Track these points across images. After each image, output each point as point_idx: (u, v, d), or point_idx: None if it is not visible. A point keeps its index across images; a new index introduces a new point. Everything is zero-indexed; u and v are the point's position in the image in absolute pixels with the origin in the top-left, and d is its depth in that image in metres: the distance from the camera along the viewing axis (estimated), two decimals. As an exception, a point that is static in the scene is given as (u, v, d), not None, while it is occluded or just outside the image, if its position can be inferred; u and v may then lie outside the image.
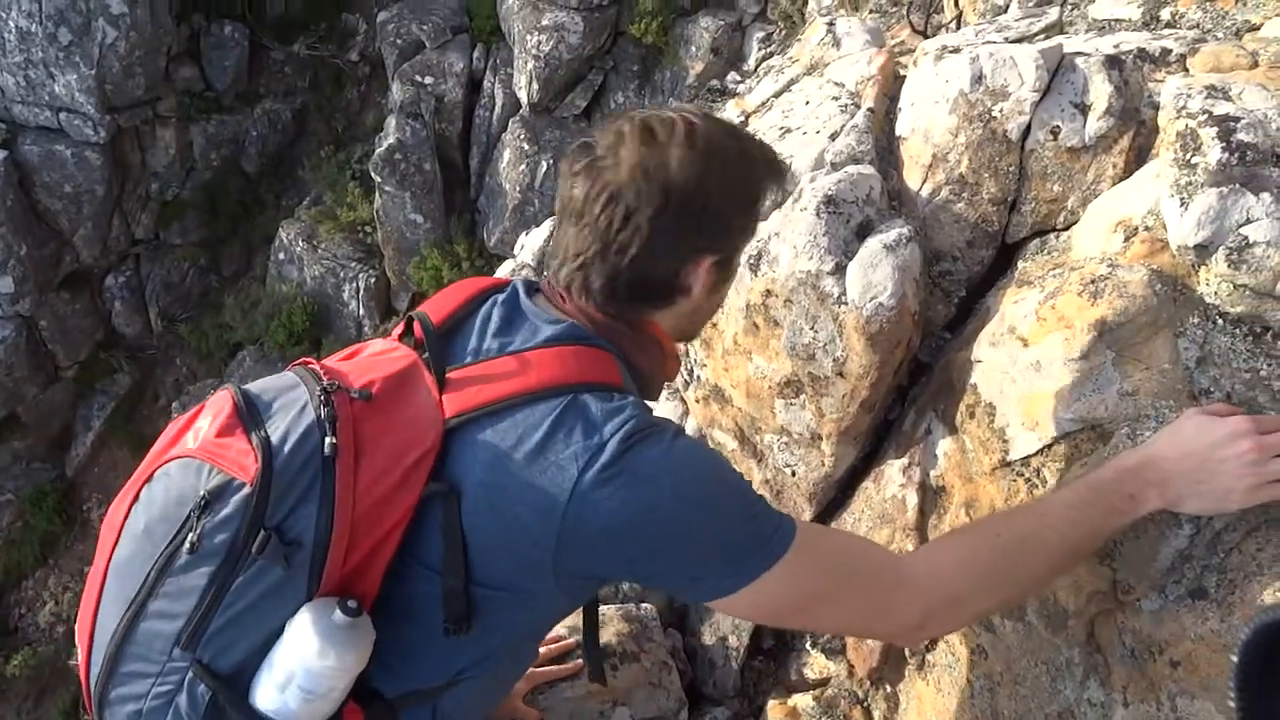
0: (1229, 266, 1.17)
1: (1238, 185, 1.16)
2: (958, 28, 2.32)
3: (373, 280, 9.09)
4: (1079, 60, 1.43)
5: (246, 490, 1.06)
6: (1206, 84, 1.24)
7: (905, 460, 1.57)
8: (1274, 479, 1.08)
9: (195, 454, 1.11)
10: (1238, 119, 1.19)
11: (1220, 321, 1.23)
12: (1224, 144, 1.17)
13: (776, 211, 1.67)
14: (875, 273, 1.48)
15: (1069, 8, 1.99)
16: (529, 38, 7.90)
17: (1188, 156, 1.20)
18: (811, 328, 1.56)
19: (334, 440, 1.08)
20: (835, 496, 1.72)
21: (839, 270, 1.52)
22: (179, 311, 10.32)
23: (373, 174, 8.67)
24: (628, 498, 1.07)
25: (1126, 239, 1.35)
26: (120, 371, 10.05)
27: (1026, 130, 1.46)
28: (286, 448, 1.08)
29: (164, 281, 10.27)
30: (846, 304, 1.51)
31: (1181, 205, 1.19)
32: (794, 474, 1.71)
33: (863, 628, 1.32)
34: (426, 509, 1.11)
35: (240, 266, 10.41)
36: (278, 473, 1.07)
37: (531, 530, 1.08)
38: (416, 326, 1.23)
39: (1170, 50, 1.38)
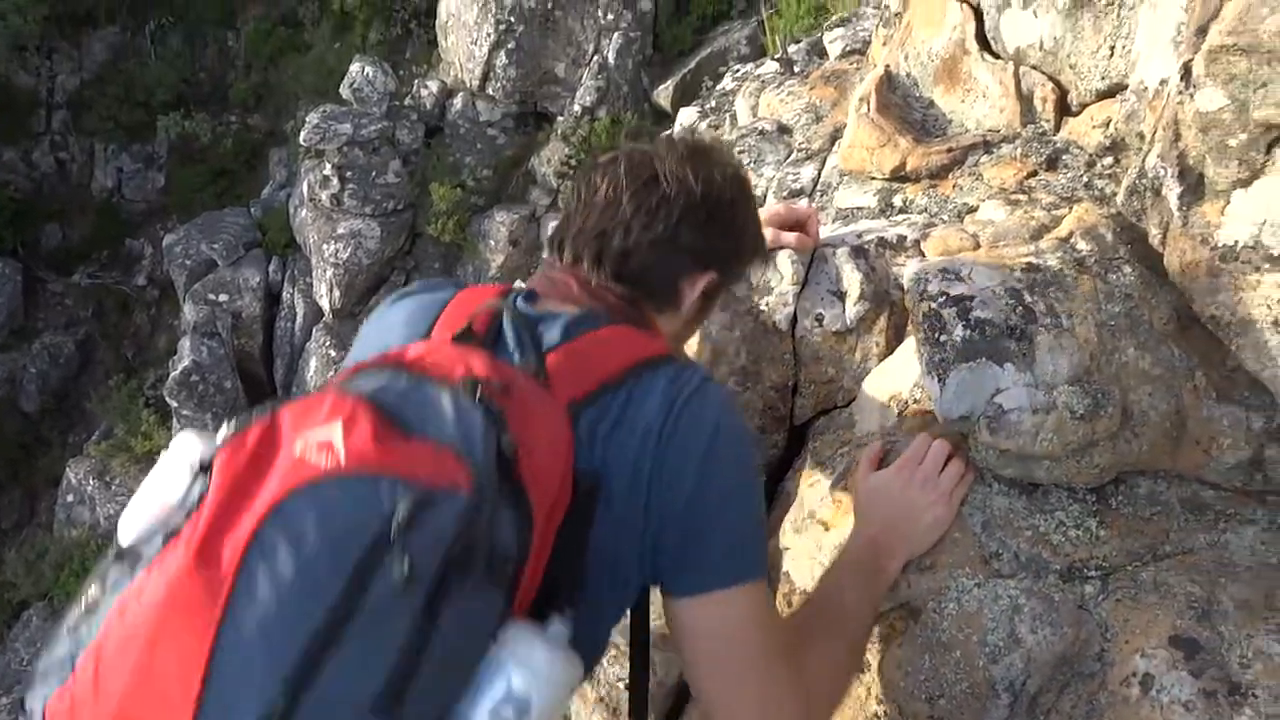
0: (990, 434, 1.24)
1: (983, 359, 1.25)
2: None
3: (177, 511, 8.47)
4: (829, 252, 1.54)
5: (464, 498, 0.86)
6: (940, 267, 1.34)
7: (734, 657, 1.54)
8: (953, 486, 1.27)
9: (359, 469, 0.86)
10: (972, 297, 1.28)
11: (996, 484, 1.30)
12: (964, 322, 1.27)
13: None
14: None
15: (819, 194, 2.16)
16: (326, 247, 7.89)
17: (936, 335, 1.28)
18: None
19: (510, 437, 0.92)
20: (672, 704, 1.65)
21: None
22: (-49, 575, 9.22)
23: (168, 399, 8.22)
24: (715, 414, 1.08)
25: (900, 413, 1.42)
26: (-119, 655, 8.76)
27: (794, 319, 1.54)
28: (477, 455, 0.90)
29: (-68, 544, 9.20)
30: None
31: (939, 382, 1.27)
32: (625, 686, 1.63)
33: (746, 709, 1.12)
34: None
35: (22, 515, 9.48)
36: (486, 480, 0.89)
37: (641, 471, 1.04)
38: (479, 324, 1.12)
39: (905, 237, 1.51)
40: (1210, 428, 1.25)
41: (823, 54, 2.98)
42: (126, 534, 0.94)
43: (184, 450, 0.94)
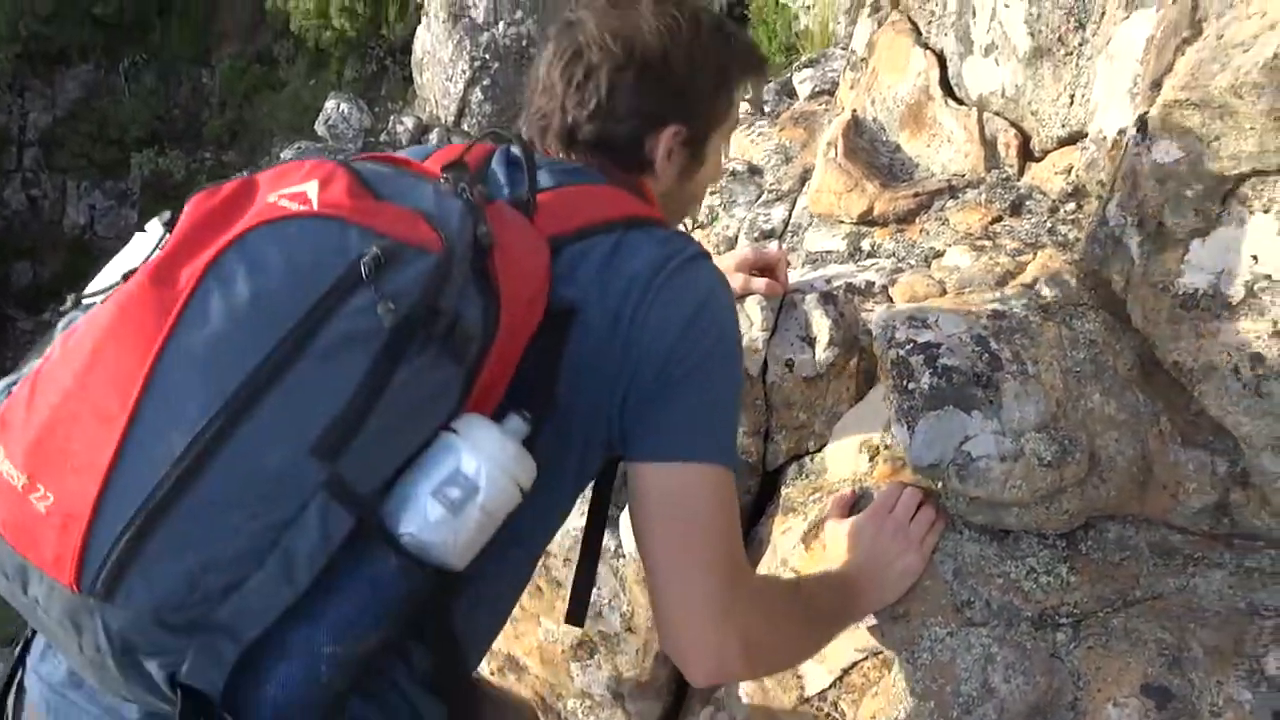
0: (960, 482, 1.24)
1: (951, 406, 1.25)
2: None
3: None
4: (798, 298, 1.54)
5: (434, 257, 0.84)
6: (908, 314, 1.35)
7: (711, 708, 1.53)
8: (924, 534, 1.26)
9: (331, 213, 0.85)
10: (939, 345, 1.29)
11: (967, 531, 1.30)
12: (931, 369, 1.27)
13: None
14: (647, 522, 1.47)
15: (790, 235, 2.18)
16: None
17: (904, 383, 1.29)
18: (594, 584, 1.51)
19: (487, 229, 0.90)
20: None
21: (612, 522, 1.51)
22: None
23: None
24: (708, 288, 1.07)
25: (871, 459, 1.42)
26: None
27: (765, 366, 1.54)
28: (452, 231, 0.87)
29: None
30: (624, 557, 1.49)
31: (908, 430, 1.27)
32: (601, 738, 1.62)
33: (692, 601, 1.03)
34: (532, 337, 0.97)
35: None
36: (458, 251, 0.86)
37: (618, 326, 1.01)
38: (471, 158, 1.08)
39: (874, 282, 1.52)
40: (1176, 472, 1.26)
41: (792, 94, 3.02)
42: (89, 290, 0.95)
43: (156, 221, 0.95)
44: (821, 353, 1.50)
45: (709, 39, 1.17)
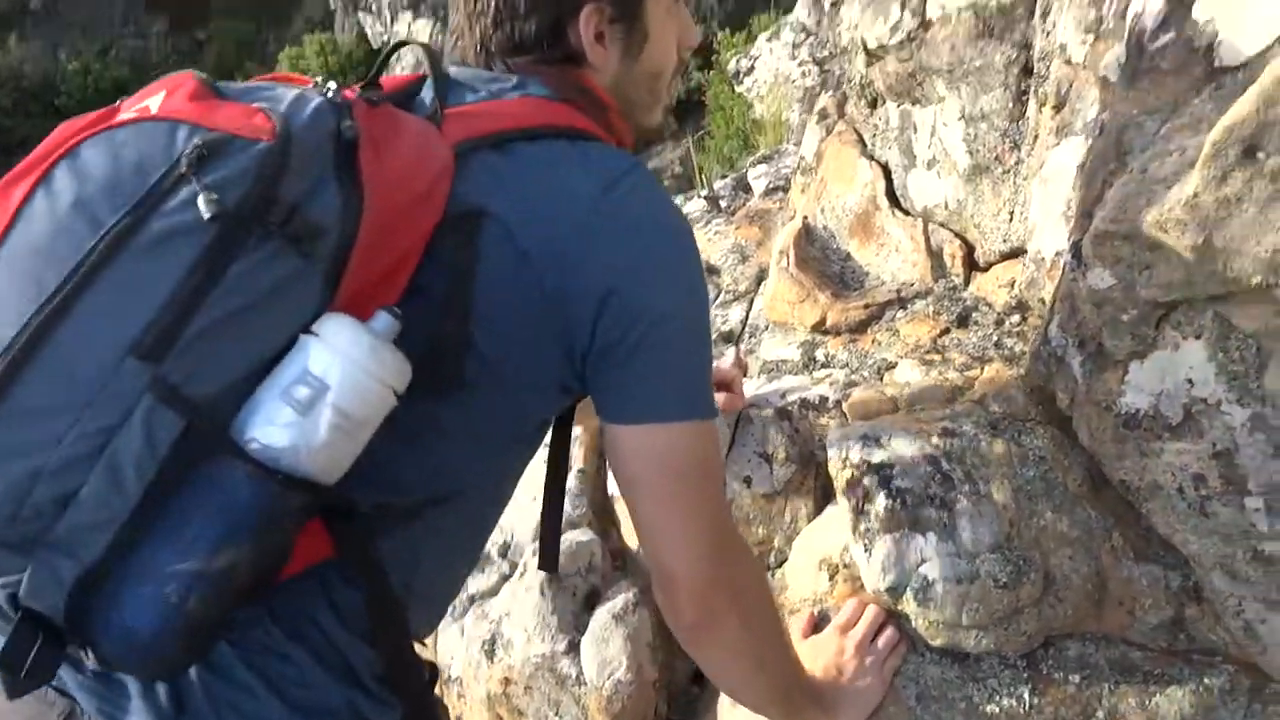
0: (918, 605, 1.24)
1: (906, 529, 1.26)
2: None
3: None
4: (754, 414, 1.55)
5: (263, 146, 0.81)
6: (861, 433, 1.36)
7: (678, 837, 1.49)
8: (885, 656, 1.26)
9: (165, 116, 0.84)
10: (892, 466, 1.30)
11: (928, 654, 1.29)
12: (886, 491, 1.28)
13: (506, 589, 1.63)
14: (608, 648, 1.46)
15: (748, 336, 2.20)
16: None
17: (860, 504, 1.30)
18: (556, 713, 1.49)
19: (352, 123, 0.86)
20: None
21: (573, 648, 1.49)
22: None
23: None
24: (666, 218, 1.00)
25: (831, 577, 1.42)
26: None
27: (724, 482, 1.54)
28: (298, 122, 0.84)
29: None
30: (586, 684, 1.46)
31: (865, 552, 1.27)
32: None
33: (681, 545, 1.02)
34: (434, 245, 0.92)
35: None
36: (297, 139, 0.82)
37: (552, 245, 0.94)
38: (390, 84, 1.03)
39: (828, 398, 1.53)
40: (1130, 588, 1.26)
41: (748, 189, 3.08)
42: None
43: None
44: (779, 469, 1.51)
45: None
